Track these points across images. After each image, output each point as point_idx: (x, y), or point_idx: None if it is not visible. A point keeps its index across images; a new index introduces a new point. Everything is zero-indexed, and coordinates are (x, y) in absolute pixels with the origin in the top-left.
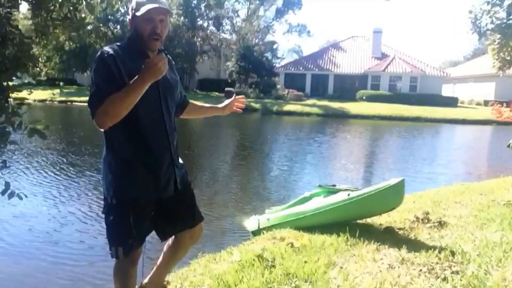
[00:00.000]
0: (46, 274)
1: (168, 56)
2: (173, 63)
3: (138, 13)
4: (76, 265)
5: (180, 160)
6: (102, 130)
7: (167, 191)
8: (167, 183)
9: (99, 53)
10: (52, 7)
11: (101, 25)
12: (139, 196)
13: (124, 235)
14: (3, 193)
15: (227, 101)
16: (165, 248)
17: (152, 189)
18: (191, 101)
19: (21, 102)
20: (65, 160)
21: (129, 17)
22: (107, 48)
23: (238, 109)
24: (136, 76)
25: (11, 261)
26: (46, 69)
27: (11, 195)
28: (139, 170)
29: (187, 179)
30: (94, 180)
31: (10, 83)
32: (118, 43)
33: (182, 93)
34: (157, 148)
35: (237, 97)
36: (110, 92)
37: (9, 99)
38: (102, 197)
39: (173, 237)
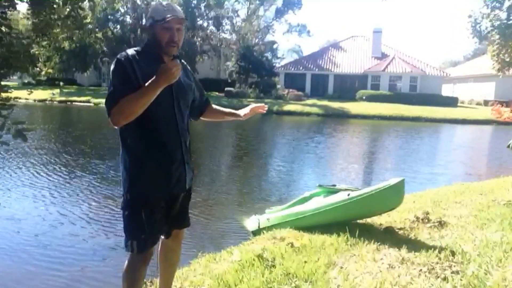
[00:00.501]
0: (33, 280)
1: (183, 61)
2: (189, 68)
3: (158, 23)
4: (66, 270)
5: (191, 162)
6: (116, 127)
7: (178, 188)
8: (178, 181)
9: (117, 56)
10: (55, 6)
11: (97, 29)
12: (150, 193)
13: (137, 230)
14: None
15: (247, 108)
16: (158, 255)
17: (163, 186)
18: (212, 104)
19: (5, 103)
20: (57, 160)
21: (146, 25)
22: (125, 52)
23: (260, 111)
24: (151, 80)
25: None
26: (46, 68)
27: None
28: (152, 167)
29: (192, 182)
30: (86, 181)
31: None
32: (136, 48)
33: (203, 96)
34: (169, 146)
35: (258, 105)
36: (125, 93)
37: None
38: (94, 198)
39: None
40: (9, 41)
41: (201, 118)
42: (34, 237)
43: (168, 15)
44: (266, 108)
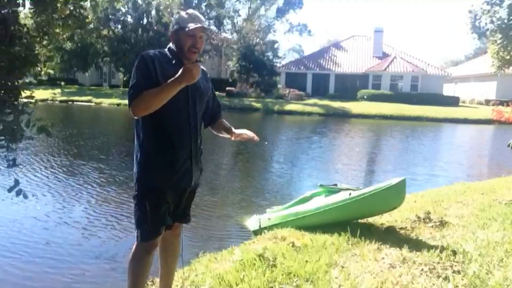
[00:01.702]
0: (31, 281)
1: (203, 68)
2: (207, 73)
3: (183, 30)
4: (58, 273)
5: (201, 161)
6: (135, 118)
7: (184, 183)
8: (183, 177)
9: (142, 53)
10: (57, 5)
11: (101, 28)
12: (155, 186)
13: (141, 220)
14: (11, 190)
15: (240, 130)
16: (158, 253)
17: (168, 180)
18: (223, 120)
19: (30, 100)
20: (52, 160)
21: (171, 31)
22: (149, 51)
23: (247, 138)
24: (172, 78)
25: None
26: (46, 68)
27: (19, 192)
28: (158, 161)
29: (199, 180)
30: (79, 181)
31: (20, 81)
32: (160, 50)
33: (216, 108)
34: (178, 142)
35: (249, 134)
36: (146, 87)
37: (19, 98)
38: (80, 200)
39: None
40: (28, 40)
41: (209, 128)
42: (16, 242)
43: (193, 24)
44: (256, 140)
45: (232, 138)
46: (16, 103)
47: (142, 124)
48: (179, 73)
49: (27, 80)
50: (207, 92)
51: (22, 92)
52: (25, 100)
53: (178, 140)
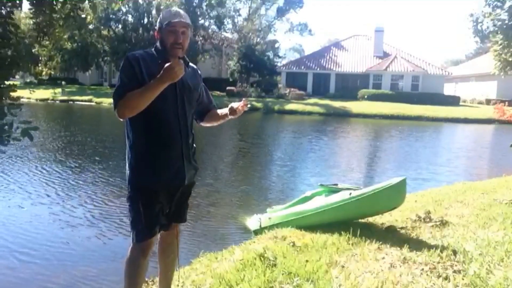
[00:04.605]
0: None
1: (193, 65)
2: (199, 72)
3: (165, 27)
4: (59, 274)
5: (195, 160)
6: (122, 120)
7: (176, 181)
8: (176, 175)
9: (127, 54)
10: (55, 6)
11: (101, 27)
12: (147, 185)
13: (136, 221)
14: None
15: (233, 105)
16: (157, 254)
17: (160, 179)
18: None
19: (13, 102)
20: (51, 160)
21: (156, 30)
22: (134, 52)
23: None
24: (156, 77)
25: None
26: (47, 69)
27: None
28: (150, 161)
29: (194, 179)
30: (73, 183)
31: (7, 82)
32: (146, 50)
33: (211, 101)
34: (168, 142)
35: (240, 104)
36: (131, 88)
37: (2, 99)
38: (77, 202)
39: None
40: (17, 41)
41: (203, 123)
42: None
43: (174, 19)
44: (247, 104)
45: (234, 115)
46: None
47: (131, 125)
48: (162, 71)
49: (27, 80)
50: (196, 90)
51: (8, 94)
52: (11, 102)
53: (168, 139)
